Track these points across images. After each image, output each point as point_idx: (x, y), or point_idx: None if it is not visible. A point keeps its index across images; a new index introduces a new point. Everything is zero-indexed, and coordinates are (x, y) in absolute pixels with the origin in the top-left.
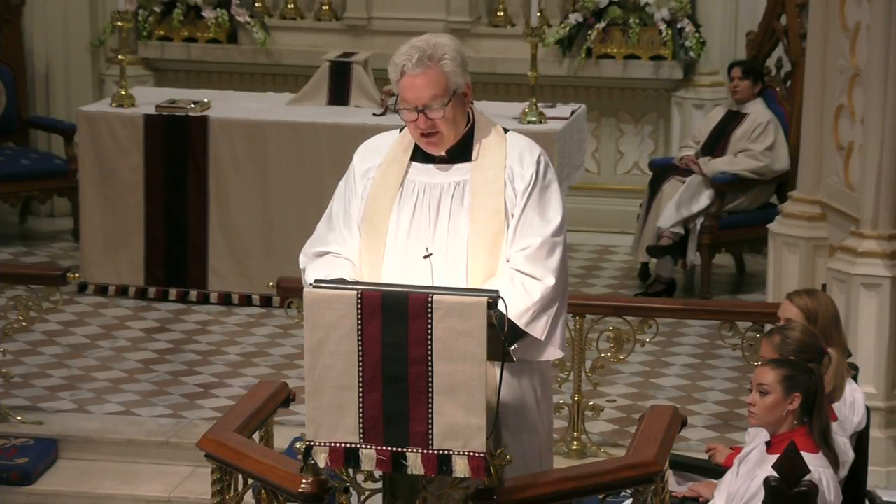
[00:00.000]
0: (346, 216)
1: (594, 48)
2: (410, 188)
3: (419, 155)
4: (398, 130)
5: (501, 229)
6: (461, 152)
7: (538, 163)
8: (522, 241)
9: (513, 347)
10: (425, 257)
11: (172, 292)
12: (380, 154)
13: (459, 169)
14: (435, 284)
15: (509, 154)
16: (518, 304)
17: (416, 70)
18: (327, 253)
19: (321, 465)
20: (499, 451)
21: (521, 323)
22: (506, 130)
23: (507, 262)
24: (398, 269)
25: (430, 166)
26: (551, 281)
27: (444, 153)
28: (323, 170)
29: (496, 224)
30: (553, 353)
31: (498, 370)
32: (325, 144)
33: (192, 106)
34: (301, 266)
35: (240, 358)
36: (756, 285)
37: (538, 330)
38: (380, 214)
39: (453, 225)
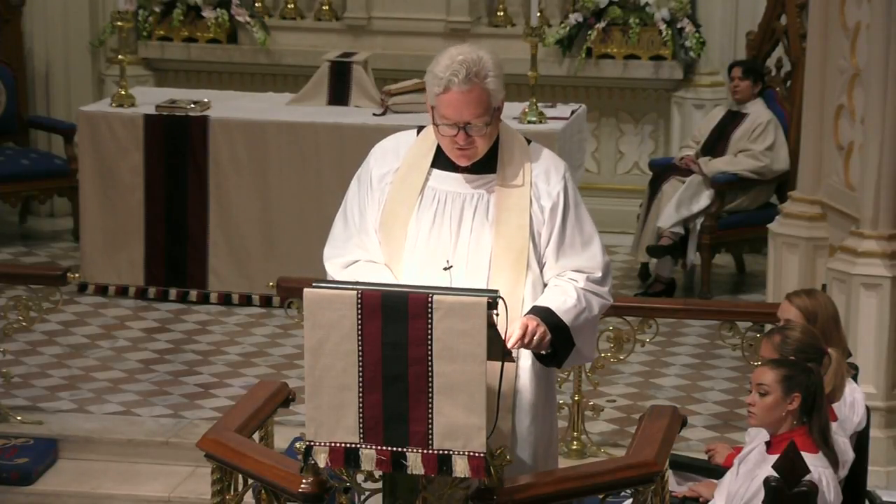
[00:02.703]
0: (362, 221)
1: (594, 48)
2: (431, 196)
3: (441, 162)
4: (415, 131)
5: (525, 245)
6: (485, 163)
7: (564, 180)
8: (574, 261)
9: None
10: (446, 269)
11: (172, 292)
12: (397, 157)
13: (483, 180)
14: None
15: (534, 169)
16: (580, 319)
17: (462, 87)
18: (357, 260)
19: (321, 465)
20: (499, 451)
21: (578, 339)
22: (528, 141)
23: (562, 276)
24: (416, 278)
25: (453, 175)
26: (610, 300)
27: (467, 164)
28: (323, 170)
29: (521, 240)
30: (584, 361)
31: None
32: (325, 144)
33: (192, 106)
34: (330, 274)
35: (240, 358)
36: (756, 285)
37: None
38: (398, 221)
39: (476, 238)
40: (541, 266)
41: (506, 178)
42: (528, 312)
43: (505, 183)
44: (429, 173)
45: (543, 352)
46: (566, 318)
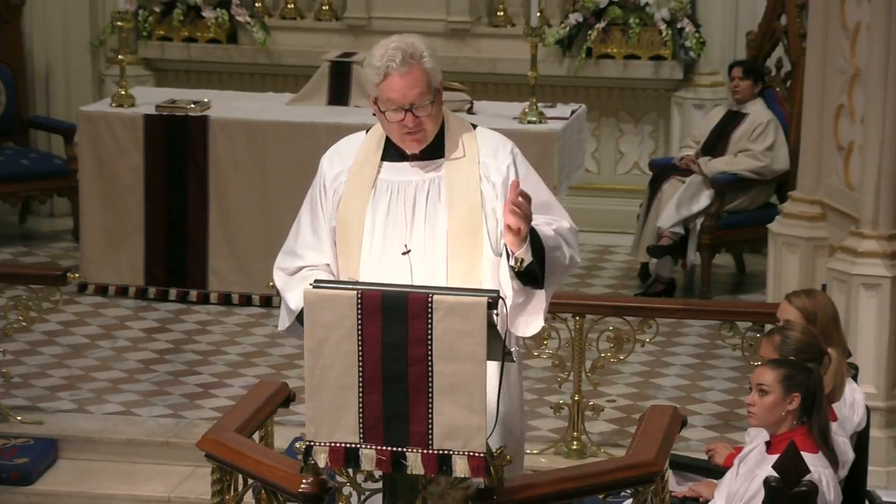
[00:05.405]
0: (315, 221)
1: (594, 48)
2: (384, 187)
3: (390, 154)
4: (364, 132)
5: (480, 224)
6: (433, 149)
7: (512, 154)
8: (541, 218)
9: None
10: (404, 254)
11: (172, 292)
12: (349, 157)
13: (432, 165)
14: (414, 281)
15: (481, 149)
16: (555, 253)
17: (401, 69)
18: (302, 268)
19: (321, 465)
20: (499, 451)
21: (547, 270)
22: (474, 126)
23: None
24: (375, 268)
25: (402, 164)
26: (578, 256)
27: (417, 150)
28: None
29: (474, 219)
30: (535, 319)
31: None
32: (325, 144)
33: (192, 106)
34: (278, 286)
35: (240, 358)
36: (756, 285)
37: (550, 288)
38: (354, 216)
39: (430, 222)
40: (497, 245)
41: (454, 160)
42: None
43: (454, 165)
44: (380, 167)
45: (519, 265)
46: (547, 244)
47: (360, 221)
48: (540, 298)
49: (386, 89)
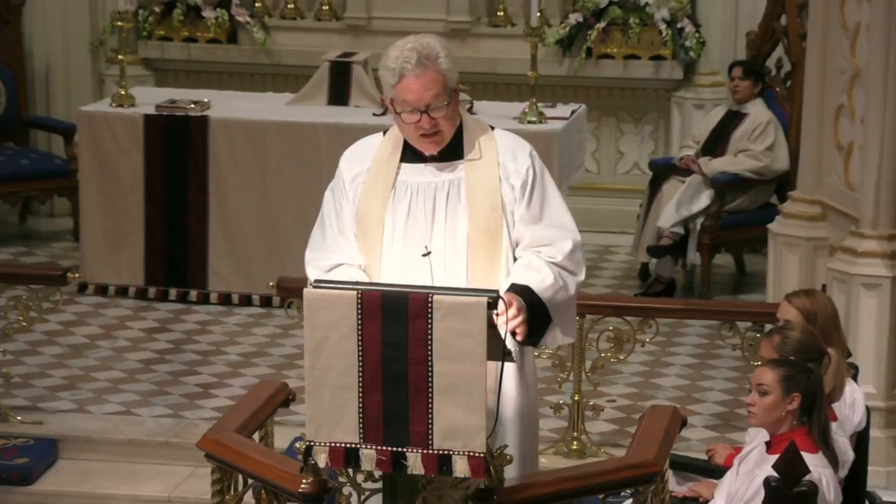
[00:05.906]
0: (340, 223)
1: (594, 48)
2: (403, 189)
3: (408, 155)
4: (381, 133)
5: (500, 225)
6: (452, 150)
7: (531, 157)
8: (545, 234)
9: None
10: (424, 255)
11: (172, 292)
12: (367, 158)
13: (451, 167)
14: (436, 283)
15: (500, 151)
16: (557, 297)
17: (416, 71)
18: (339, 264)
19: (321, 465)
20: (498, 451)
21: (555, 317)
22: (492, 128)
23: (537, 251)
24: (396, 270)
25: (421, 166)
26: (582, 276)
27: (435, 152)
28: (323, 170)
29: (494, 220)
30: (566, 340)
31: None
32: (325, 144)
33: (192, 106)
34: (311, 279)
35: (240, 358)
36: (756, 285)
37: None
38: (374, 217)
39: (451, 223)
40: (515, 246)
41: (474, 162)
42: (507, 290)
43: (473, 166)
44: (398, 168)
45: (518, 338)
46: (544, 297)
47: (381, 223)
48: (555, 330)
49: (401, 91)
